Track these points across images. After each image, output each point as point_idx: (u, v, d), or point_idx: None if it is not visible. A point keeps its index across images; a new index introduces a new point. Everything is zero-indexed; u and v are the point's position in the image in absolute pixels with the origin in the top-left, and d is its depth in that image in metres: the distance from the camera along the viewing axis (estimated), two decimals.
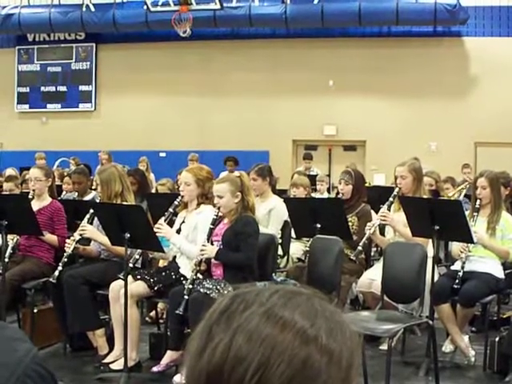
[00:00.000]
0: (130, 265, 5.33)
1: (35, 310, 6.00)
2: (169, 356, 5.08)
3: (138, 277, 5.30)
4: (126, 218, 5.05)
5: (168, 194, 7.51)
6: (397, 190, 5.98)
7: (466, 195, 8.27)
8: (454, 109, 15.33)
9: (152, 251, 5.69)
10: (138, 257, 5.53)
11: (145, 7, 15.54)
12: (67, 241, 5.71)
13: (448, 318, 5.53)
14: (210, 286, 4.90)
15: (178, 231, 5.49)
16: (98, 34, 17.47)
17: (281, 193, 8.17)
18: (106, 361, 5.35)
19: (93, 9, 16.46)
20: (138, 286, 5.23)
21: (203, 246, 5.07)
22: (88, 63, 17.83)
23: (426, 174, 7.06)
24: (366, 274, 6.05)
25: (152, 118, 16.87)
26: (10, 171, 10.34)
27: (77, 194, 8.25)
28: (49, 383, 1.06)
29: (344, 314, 0.91)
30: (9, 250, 5.81)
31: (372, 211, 6.58)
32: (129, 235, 4.98)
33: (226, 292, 4.81)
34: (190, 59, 16.70)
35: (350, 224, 6.33)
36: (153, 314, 6.71)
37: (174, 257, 5.56)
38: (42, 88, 18.05)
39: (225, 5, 15.41)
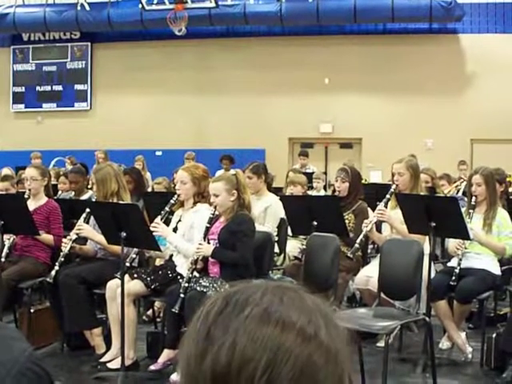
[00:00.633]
0: (127, 264, 5.33)
1: (32, 310, 6.00)
2: (166, 354, 5.08)
3: (135, 276, 5.30)
4: (123, 216, 5.05)
5: (164, 193, 7.51)
6: (394, 186, 5.98)
7: (463, 192, 8.27)
8: (449, 106, 15.34)
9: (148, 250, 5.69)
10: (134, 256, 5.52)
11: (140, 6, 15.52)
12: (64, 240, 5.70)
13: (445, 314, 5.54)
14: (207, 284, 4.91)
15: (175, 230, 5.49)
16: (93, 33, 17.44)
17: (277, 191, 8.16)
18: (103, 360, 5.35)
19: (88, 8, 16.43)
20: (134, 285, 5.23)
21: (199, 244, 5.07)
22: (83, 62, 17.80)
23: (421, 170, 7.06)
24: (362, 271, 6.05)
25: (148, 117, 16.86)
26: (5, 171, 10.31)
27: (73, 193, 8.24)
28: (44, 382, 1.06)
29: (335, 309, 0.92)
30: (5, 250, 5.81)
31: (368, 208, 6.58)
32: (125, 234, 4.98)
33: (222, 290, 4.81)
34: (186, 58, 16.70)
35: (346, 221, 6.34)
36: (150, 312, 6.71)
37: (171, 255, 5.56)
38: (38, 87, 18.02)
39: (220, 3, 15.40)
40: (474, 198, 5.77)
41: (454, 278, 5.46)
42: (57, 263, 5.55)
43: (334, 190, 7.09)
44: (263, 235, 5.59)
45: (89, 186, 8.26)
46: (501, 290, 6.46)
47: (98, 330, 5.67)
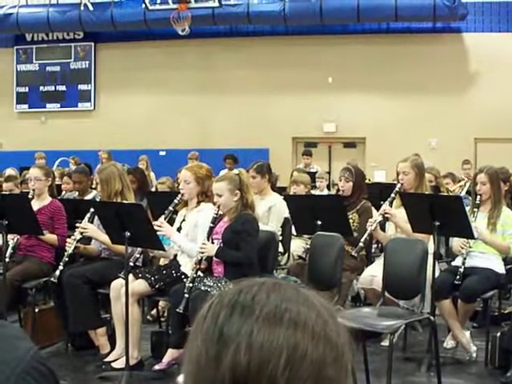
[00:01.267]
0: (131, 263, 5.33)
1: (36, 310, 6.00)
2: (170, 354, 5.08)
3: (139, 275, 5.30)
4: (127, 216, 5.05)
5: (168, 193, 7.51)
6: (399, 186, 5.98)
7: (467, 191, 8.26)
8: (453, 105, 15.32)
9: (153, 249, 5.69)
10: (138, 255, 5.53)
11: (143, 6, 15.54)
12: (68, 240, 5.70)
13: (449, 313, 5.53)
14: (211, 284, 4.91)
15: (179, 229, 5.49)
16: (97, 33, 17.46)
17: (281, 190, 8.16)
18: (107, 359, 5.35)
19: (91, 8, 16.44)
20: (139, 285, 5.23)
21: (203, 244, 5.06)
22: (87, 62, 17.82)
23: (425, 170, 7.06)
24: (366, 270, 6.05)
25: (151, 117, 16.87)
26: (9, 171, 10.33)
27: (77, 193, 8.25)
28: (49, 381, 1.06)
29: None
30: (9, 250, 5.81)
31: (372, 208, 6.58)
32: (129, 234, 4.98)
33: (223, 290, 4.80)
34: (189, 57, 16.70)
35: (350, 221, 6.33)
36: (154, 312, 6.71)
37: (175, 255, 5.56)
38: (41, 88, 18.05)
39: (223, 2, 15.42)
40: (478, 197, 5.76)
41: (458, 277, 5.45)
42: (61, 263, 5.55)
43: (337, 190, 7.08)
44: (267, 235, 5.58)
45: (93, 186, 8.26)
46: (505, 289, 6.47)
47: (103, 329, 5.67)
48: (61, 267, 5.51)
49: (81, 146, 16.07)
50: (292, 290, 0.94)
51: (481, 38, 15.38)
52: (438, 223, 5.24)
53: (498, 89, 14.85)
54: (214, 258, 5.16)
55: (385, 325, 4.71)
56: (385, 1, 14.91)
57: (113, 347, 5.48)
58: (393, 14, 14.93)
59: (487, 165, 6.01)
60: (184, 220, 5.55)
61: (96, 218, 5.73)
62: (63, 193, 8.84)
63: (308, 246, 6.16)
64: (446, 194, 7.67)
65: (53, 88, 17.99)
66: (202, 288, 4.88)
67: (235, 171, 5.46)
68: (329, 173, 14.14)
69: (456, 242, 5.80)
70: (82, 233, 5.65)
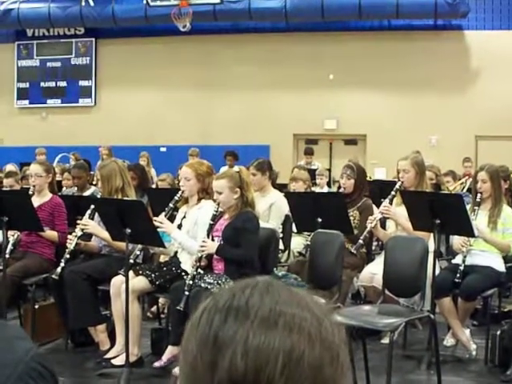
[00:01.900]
0: (131, 260, 5.33)
1: (36, 306, 6.01)
2: (170, 351, 5.08)
3: (140, 272, 5.29)
4: (127, 213, 5.05)
5: (169, 189, 7.50)
6: (399, 183, 5.97)
7: (468, 189, 8.26)
8: (454, 102, 15.31)
9: (153, 246, 5.69)
10: (138, 252, 5.53)
11: (144, 1, 15.54)
12: (69, 237, 5.70)
13: (449, 311, 5.53)
14: (211, 281, 4.91)
15: (180, 226, 5.49)
16: (98, 29, 17.44)
17: (281, 187, 8.16)
18: (107, 356, 5.36)
19: (92, 3, 16.40)
20: (139, 282, 5.23)
21: (203, 241, 5.06)
22: (88, 58, 17.80)
23: (426, 167, 7.05)
24: (367, 268, 6.05)
25: (152, 113, 16.85)
26: (10, 167, 10.34)
27: (76, 188, 8.25)
28: (49, 382, 1.05)
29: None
30: (9, 247, 5.81)
31: (373, 205, 6.58)
32: (130, 230, 4.97)
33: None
34: (190, 54, 16.67)
35: (351, 218, 6.33)
36: (154, 309, 6.71)
37: (176, 252, 5.56)
38: (42, 83, 18.02)
39: None
40: (479, 195, 5.75)
41: (458, 275, 5.45)
42: (62, 260, 5.55)
43: (338, 187, 7.08)
44: (268, 232, 5.58)
45: (93, 182, 8.26)
46: (505, 287, 6.46)
47: (103, 326, 5.68)
48: (62, 264, 5.51)
49: (81, 142, 16.06)
50: (285, 292, 0.94)
51: (482, 36, 15.35)
52: (438, 221, 5.24)
53: (499, 86, 14.83)
54: (215, 256, 5.17)
55: (385, 323, 4.71)
56: None
57: (113, 344, 5.48)
58: (394, 11, 14.90)
59: (488, 163, 6.01)
60: (184, 217, 5.55)
61: (96, 214, 5.72)
62: (64, 189, 8.85)
63: (308, 243, 6.15)
64: (446, 191, 7.66)
65: (53, 84, 17.97)
66: (203, 285, 4.88)
67: (236, 169, 5.45)
68: (329, 170, 14.15)
69: (456, 240, 5.80)
70: (82, 229, 5.65)
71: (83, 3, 16.40)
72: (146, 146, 14.85)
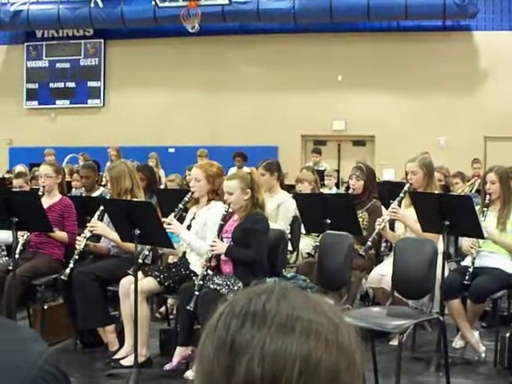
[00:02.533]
0: (140, 261, 5.33)
1: (45, 307, 6.03)
2: (179, 353, 5.08)
3: (148, 273, 5.30)
4: (136, 214, 5.05)
5: (177, 190, 7.51)
6: (408, 185, 5.96)
7: (477, 190, 8.23)
8: (463, 103, 15.28)
9: (162, 247, 5.69)
10: (147, 253, 5.53)
11: (153, 3, 15.56)
12: (78, 238, 5.72)
13: (458, 313, 5.51)
14: (220, 282, 4.91)
15: (189, 227, 5.49)
16: (107, 30, 17.48)
17: (289, 188, 8.15)
18: (116, 357, 5.36)
19: (101, 5, 16.45)
20: (148, 282, 5.24)
21: (213, 242, 5.07)
22: (96, 59, 17.85)
23: (435, 169, 7.04)
24: (376, 269, 6.04)
25: (161, 114, 16.88)
26: (19, 168, 10.36)
27: (84, 188, 8.27)
28: None
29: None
30: (19, 247, 5.82)
31: (382, 207, 6.57)
32: (139, 231, 4.98)
33: (236, 288, 4.82)
34: (199, 55, 16.69)
35: (360, 220, 6.32)
36: (163, 309, 6.72)
37: (184, 253, 5.56)
38: (51, 84, 18.08)
39: (233, 0, 15.39)
40: (488, 196, 5.74)
41: (467, 276, 5.44)
42: (71, 261, 5.56)
43: (347, 188, 7.08)
44: (277, 233, 5.58)
45: (102, 183, 8.28)
46: None
47: (111, 327, 5.69)
48: (71, 265, 5.52)
49: (90, 143, 16.10)
50: (302, 297, 0.94)
51: (491, 36, 15.31)
52: (447, 223, 5.22)
53: (508, 87, 14.79)
54: (223, 257, 5.17)
55: (394, 324, 4.70)
56: None
57: (121, 344, 5.49)
58: (403, 12, 14.88)
59: (497, 164, 5.99)
60: (194, 218, 5.56)
61: (106, 215, 5.73)
62: (73, 190, 8.87)
63: (317, 244, 6.15)
64: (455, 193, 7.64)
65: (62, 85, 18.02)
66: (212, 286, 4.88)
67: (247, 170, 5.46)
68: (338, 171, 14.15)
69: (465, 242, 5.79)
70: (91, 230, 5.66)
71: (92, 4, 16.45)
72: (155, 147, 14.88)
